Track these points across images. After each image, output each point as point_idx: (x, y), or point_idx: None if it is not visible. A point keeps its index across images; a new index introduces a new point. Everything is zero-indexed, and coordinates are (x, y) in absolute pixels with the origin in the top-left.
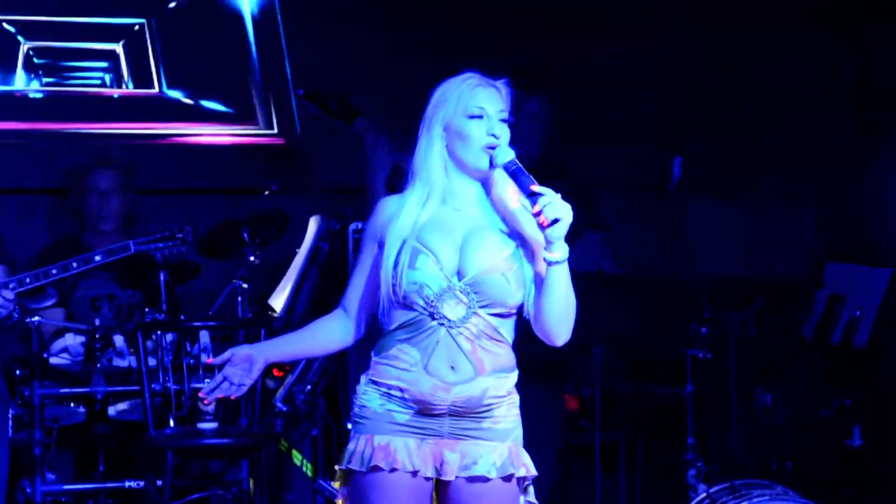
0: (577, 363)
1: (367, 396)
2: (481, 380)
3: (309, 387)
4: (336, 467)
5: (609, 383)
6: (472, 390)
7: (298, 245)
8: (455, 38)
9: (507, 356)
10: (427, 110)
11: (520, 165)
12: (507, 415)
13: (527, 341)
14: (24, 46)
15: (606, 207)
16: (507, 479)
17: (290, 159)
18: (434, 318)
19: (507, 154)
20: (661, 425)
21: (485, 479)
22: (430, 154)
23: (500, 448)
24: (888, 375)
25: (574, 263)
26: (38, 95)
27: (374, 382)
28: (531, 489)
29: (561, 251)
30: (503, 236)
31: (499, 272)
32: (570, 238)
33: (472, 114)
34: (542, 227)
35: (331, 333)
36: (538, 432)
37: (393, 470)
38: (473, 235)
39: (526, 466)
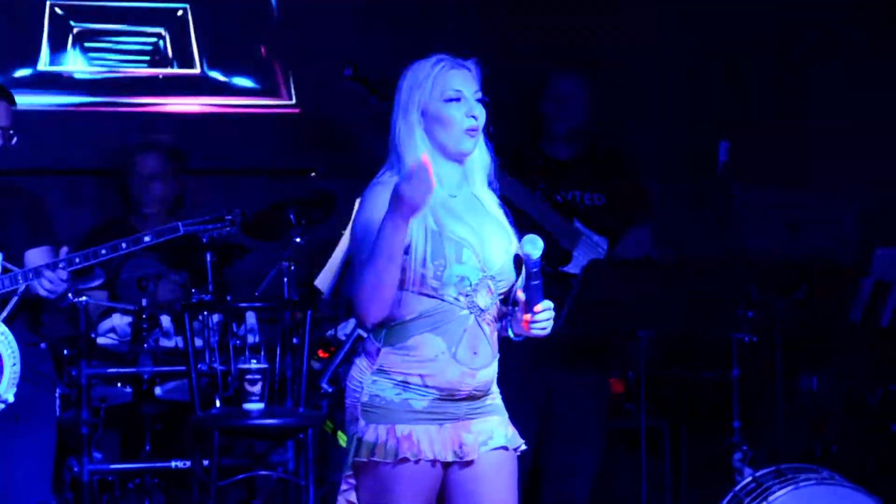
0: (623, 347)
1: (378, 386)
2: (495, 361)
3: None
4: (353, 459)
5: (654, 367)
6: (490, 373)
7: (344, 227)
8: (493, 14)
9: (498, 335)
10: (400, 95)
11: (540, 268)
12: (496, 390)
13: (573, 327)
14: (74, 29)
15: (653, 193)
16: (516, 449)
17: (336, 140)
18: (468, 308)
19: (536, 249)
20: (707, 409)
21: (504, 449)
22: (412, 140)
23: (504, 421)
24: None
25: (622, 253)
26: (86, 76)
27: (384, 372)
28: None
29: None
30: (497, 222)
31: (509, 258)
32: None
33: (450, 97)
34: (517, 326)
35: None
36: (584, 416)
37: (417, 460)
38: (480, 223)
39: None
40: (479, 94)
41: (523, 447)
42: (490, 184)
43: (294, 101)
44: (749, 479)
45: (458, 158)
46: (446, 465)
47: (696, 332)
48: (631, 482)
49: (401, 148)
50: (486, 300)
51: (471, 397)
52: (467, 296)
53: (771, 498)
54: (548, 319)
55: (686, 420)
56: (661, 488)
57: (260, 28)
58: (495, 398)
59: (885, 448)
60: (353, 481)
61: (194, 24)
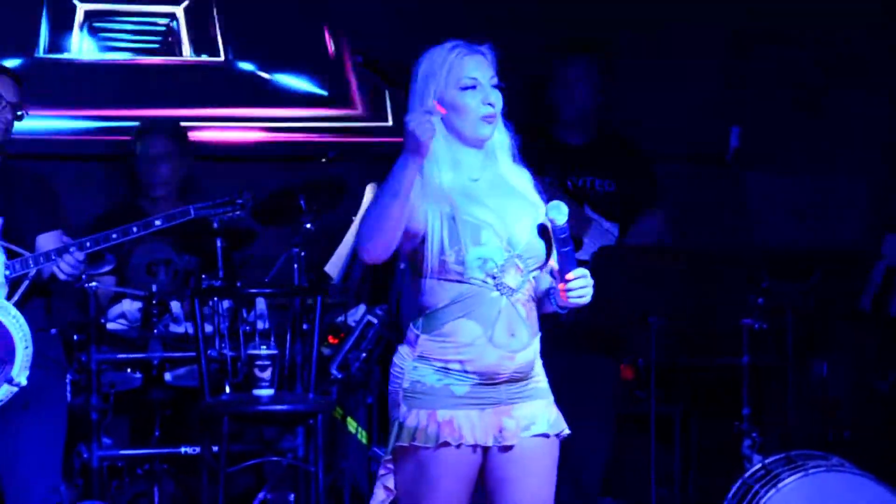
0: (634, 333)
1: (420, 372)
2: (534, 342)
3: (364, 354)
4: (394, 444)
5: (665, 354)
6: (528, 355)
7: (355, 213)
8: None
9: (537, 316)
10: (415, 83)
11: (569, 234)
12: (541, 372)
13: (583, 313)
14: (81, 9)
15: (665, 178)
16: (559, 434)
17: (347, 126)
18: (497, 290)
19: (561, 214)
20: (717, 396)
21: (545, 437)
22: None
23: (549, 405)
24: None
25: (635, 239)
26: (94, 59)
27: (425, 358)
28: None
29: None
30: (524, 199)
31: (537, 236)
32: (633, 214)
33: (465, 85)
34: (558, 298)
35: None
36: (594, 401)
37: (458, 445)
38: (504, 203)
39: (564, 422)
40: (496, 80)
41: (566, 432)
42: (517, 159)
43: (360, 112)
44: (759, 465)
45: (477, 144)
46: (486, 450)
47: (706, 318)
48: (641, 468)
49: None
50: (517, 279)
51: (511, 380)
52: (494, 277)
53: (780, 485)
54: (583, 287)
55: (696, 407)
56: (671, 475)
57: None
58: (539, 381)
59: (895, 435)
60: (391, 466)
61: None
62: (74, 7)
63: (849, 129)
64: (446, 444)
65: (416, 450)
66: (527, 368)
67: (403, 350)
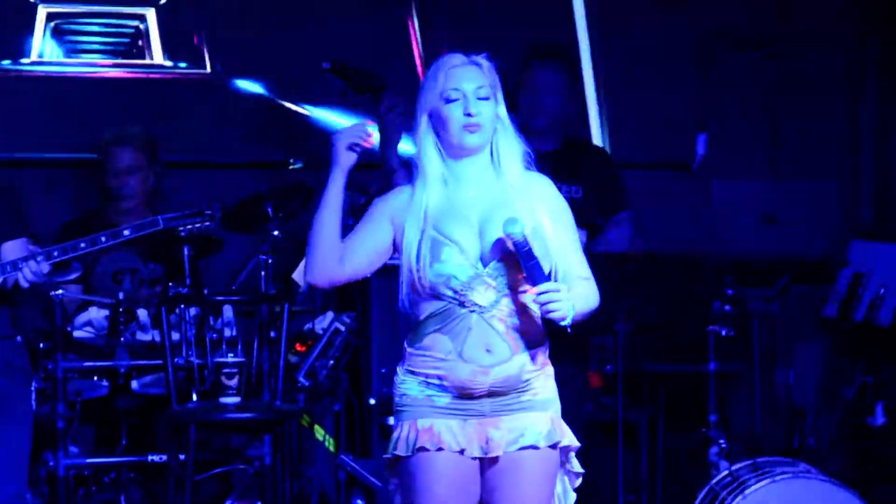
0: (601, 341)
1: (406, 385)
2: (517, 357)
3: (332, 362)
4: (384, 457)
5: (632, 361)
6: (509, 370)
7: None
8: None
9: (538, 330)
10: (418, 99)
11: (529, 243)
12: (545, 385)
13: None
14: (42, 11)
15: (631, 186)
16: (553, 447)
17: (314, 133)
18: (465, 307)
19: (517, 228)
20: (684, 403)
21: (534, 448)
22: (424, 143)
23: (543, 418)
24: None
25: (604, 245)
26: (60, 66)
27: (412, 372)
28: (574, 459)
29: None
30: (498, 207)
31: (524, 247)
32: (600, 220)
33: (450, 98)
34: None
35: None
36: (562, 409)
37: (439, 450)
38: (489, 218)
39: (568, 436)
40: (485, 91)
41: (566, 444)
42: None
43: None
44: (725, 472)
45: (471, 154)
46: (481, 462)
47: (673, 325)
48: (608, 475)
49: (417, 151)
50: (488, 297)
51: (493, 394)
52: (461, 294)
53: (747, 491)
54: (552, 301)
55: (663, 413)
56: (638, 481)
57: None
58: (537, 393)
59: (861, 441)
60: (397, 479)
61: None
62: (35, 8)
63: (815, 137)
64: (424, 449)
65: (398, 460)
66: (510, 383)
67: (400, 366)
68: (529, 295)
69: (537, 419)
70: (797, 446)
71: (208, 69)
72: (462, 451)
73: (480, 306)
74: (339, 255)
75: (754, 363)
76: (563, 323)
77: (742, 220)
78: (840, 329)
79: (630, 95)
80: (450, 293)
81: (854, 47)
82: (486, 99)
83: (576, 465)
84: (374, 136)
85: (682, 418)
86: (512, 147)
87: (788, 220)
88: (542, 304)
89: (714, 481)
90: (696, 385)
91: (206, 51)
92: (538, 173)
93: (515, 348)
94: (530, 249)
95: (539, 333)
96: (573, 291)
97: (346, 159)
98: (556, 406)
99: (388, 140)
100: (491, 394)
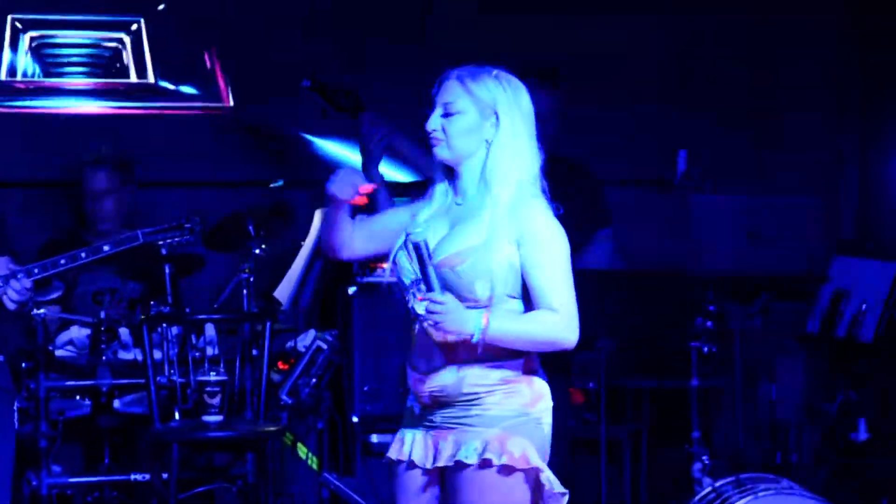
0: (583, 357)
1: (406, 396)
2: (454, 369)
3: (314, 380)
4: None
5: (614, 377)
6: (444, 379)
7: (303, 238)
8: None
9: (494, 347)
10: None
11: (425, 252)
12: (501, 403)
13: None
14: (26, 37)
15: (611, 202)
16: (487, 465)
17: (294, 151)
18: (411, 314)
19: (419, 231)
20: (666, 419)
21: (467, 466)
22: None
23: (485, 434)
24: (894, 369)
25: (587, 263)
26: (42, 86)
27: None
28: (550, 480)
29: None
30: (478, 227)
31: (449, 266)
32: (582, 237)
33: (427, 111)
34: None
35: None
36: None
37: (400, 461)
38: (455, 228)
39: (510, 455)
40: (453, 107)
41: (498, 461)
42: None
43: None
44: (708, 489)
45: (454, 165)
46: (444, 474)
47: (654, 341)
48: (591, 492)
49: None
50: (422, 306)
51: (440, 405)
52: (406, 300)
53: None
54: (433, 313)
55: (646, 430)
56: (621, 498)
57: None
58: (488, 409)
59: (843, 456)
60: None
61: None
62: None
63: (796, 153)
64: (394, 460)
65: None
66: (449, 392)
67: None
68: (420, 302)
69: (479, 434)
70: (780, 462)
71: (189, 88)
72: (424, 464)
73: (418, 314)
74: (353, 236)
75: (737, 379)
76: (473, 340)
77: (723, 237)
78: (822, 345)
79: (610, 112)
80: (402, 298)
81: (836, 63)
82: (452, 115)
83: (556, 486)
84: (366, 187)
85: (665, 434)
86: (500, 167)
87: (770, 236)
88: (426, 312)
89: (697, 498)
90: (679, 401)
91: (183, 69)
92: (535, 198)
93: (452, 359)
94: (426, 255)
95: (495, 351)
96: (500, 319)
97: (335, 202)
98: (513, 424)
99: (370, 159)
100: (438, 404)
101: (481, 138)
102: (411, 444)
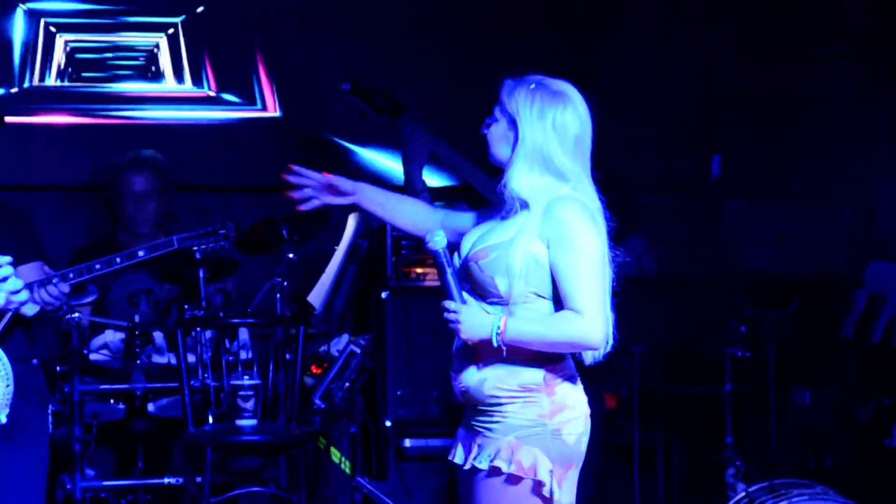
0: (616, 362)
1: None
2: (476, 370)
3: (347, 384)
4: None
5: (648, 382)
6: (469, 380)
7: (337, 242)
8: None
9: (518, 349)
10: None
11: (444, 260)
12: (519, 412)
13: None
14: (61, 40)
15: (645, 208)
16: (496, 472)
17: (329, 155)
18: None
19: (434, 240)
20: (700, 424)
21: (480, 471)
22: None
23: (500, 441)
24: None
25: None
26: (77, 90)
27: None
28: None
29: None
30: (510, 226)
31: (475, 260)
32: (613, 241)
33: None
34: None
35: (416, 213)
36: None
37: (454, 463)
38: (493, 226)
39: (518, 464)
40: (494, 112)
41: (507, 469)
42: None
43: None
44: (742, 494)
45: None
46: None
47: (688, 347)
48: (624, 497)
49: None
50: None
51: (472, 406)
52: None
53: None
54: (448, 320)
55: (679, 435)
56: (655, 503)
57: (253, 42)
58: (506, 416)
59: (877, 462)
60: None
61: (185, 39)
62: (52, 35)
63: (830, 156)
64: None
65: None
66: (474, 395)
67: None
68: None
69: (494, 441)
70: (814, 468)
71: (223, 93)
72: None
73: None
74: (432, 220)
75: (770, 384)
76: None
77: (757, 241)
78: (857, 350)
79: (644, 116)
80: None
81: (867, 68)
82: (491, 122)
83: (563, 500)
84: None
85: (699, 440)
86: (522, 176)
87: (804, 240)
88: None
89: (731, 503)
90: (712, 406)
91: (219, 73)
92: (571, 201)
93: (476, 360)
94: (444, 262)
95: (516, 353)
96: (519, 321)
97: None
98: (528, 434)
99: (412, 163)
100: (469, 405)
101: (511, 146)
102: (457, 443)
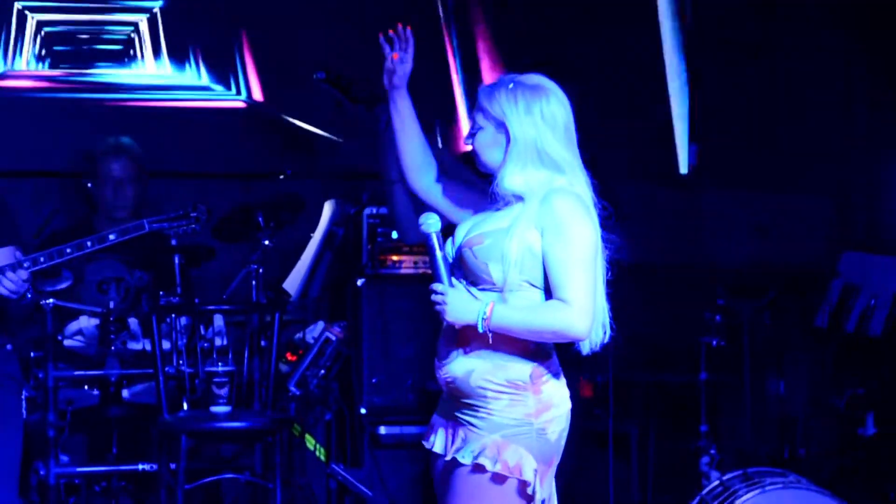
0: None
1: None
2: (465, 359)
3: (322, 371)
4: None
5: (623, 371)
6: (455, 369)
7: (312, 230)
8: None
9: (505, 339)
10: None
11: (434, 243)
12: (505, 410)
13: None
14: (33, 21)
15: (622, 197)
16: (479, 469)
17: (305, 143)
18: None
19: (426, 223)
20: (675, 413)
21: (462, 465)
22: None
23: (485, 438)
24: None
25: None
26: (51, 73)
27: None
28: (537, 495)
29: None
30: (506, 215)
31: (469, 247)
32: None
33: None
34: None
35: (421, 155)
36: None
37: (433, 451)
38: (490, 215)
39: (504, 463)
40: (473, 123)
41: (492, 468)
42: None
43: (262, 101)
44: (716, 482)
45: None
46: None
47: (663, 336)
48: (599, 485)
49: None
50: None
51: (454, 396)
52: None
53: (737, 501)
54: (435, 303)
55: (654, 423)
56: (629, 491)
57: (236, 27)
58: (491, 413)
59: (851, 451)
60: None
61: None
62: (24, 17)
63: (806, 148)
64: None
65: None
66: (460, 386)
67: None
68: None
69: (480, 437)
70: (788, 456)
71: (202, 79)
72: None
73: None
74: (432, 168)
75: (745, 373)
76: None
77: (733, 231)
78: (831, 340)
79: (619, 107)
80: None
81: (843, 59)
82: (475, 132)
83: (539, 495)
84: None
85: (673, 428)
86: (517, 174)
87: (779, 231)
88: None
89: (705, 491)
90: (687, 395)
91: (198, 59)
92: (565, 192)
93: (465, 348)
94: (434, 245)
95: (505, 343)
96: (506, 308)
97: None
98: (514, 433)
99: (387, 153)
100: (451, 395)
101: (503, 149)
102: (433, 431)
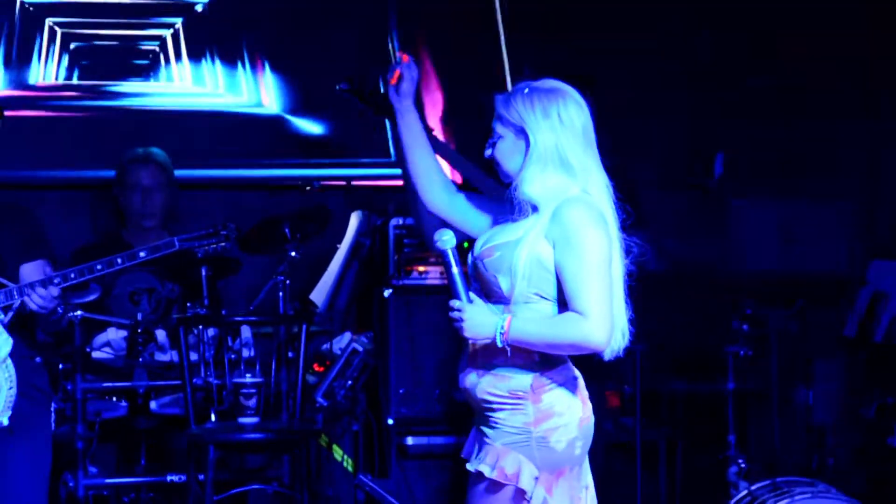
0: (619, 361)
1: None
2: (473, 371)
3: (350, 382)
4: None
5: (650, 381)
6: (466, 381)
7: (339, 241)
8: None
9: (508, 352)
10: None
11: (451, 260)
12: (506, 419)
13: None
14: (59, 32)
15: (648, 205)
16: (481, 476)
17: (332, 154)
18: None
19: (442, 240)
20: (703, 423)
21: (472, 474)
22: None
23: (490, 447)
24: None
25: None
26: (80, 85)
27: None
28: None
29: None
30: (519, 226)
31: (481, 259)
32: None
33: None
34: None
35: (434, 174)
36: None
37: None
38: (504, 226)
39: (500, 470)
40: (493, 132)
41: (500, 479)
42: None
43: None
44: (745, 492)
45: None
46: None
47: (691, 345)
48: (627, 496)
49: None
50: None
51: (478, 408)
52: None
53: None
54: (453, 319)
55: (682, 433)
56: (657, 501)
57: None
58: (497, 423)
59: (880, 461)
60: None
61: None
62: (55, 33)
63: (833, 156)
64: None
65: None
66: (472, 397)
67: None
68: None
69: (485, 445)
70: (816, 466)
71: (228, 91)
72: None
73: None
74: (445, 191)
75: (773, 383)
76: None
77: (761, 240)
78: (859, 349)
79: (647, 116)
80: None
81: (870, 65)
82: (496, 141)
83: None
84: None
85: (701, 438)
86: (536, 181)
87: (807, 239)
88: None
89: (733, 501)
90: (715, 405)
91: (223, 72)
92: (579, 202)
93: (473, 362)
94: (450, 262)
95: (509, 357)
96: (523, 322)
97: (400, 101)
98: (514, 441)
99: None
100: (478, 408)
101: (524, 155)
102: (469, 442)
